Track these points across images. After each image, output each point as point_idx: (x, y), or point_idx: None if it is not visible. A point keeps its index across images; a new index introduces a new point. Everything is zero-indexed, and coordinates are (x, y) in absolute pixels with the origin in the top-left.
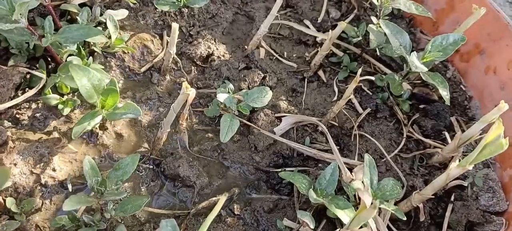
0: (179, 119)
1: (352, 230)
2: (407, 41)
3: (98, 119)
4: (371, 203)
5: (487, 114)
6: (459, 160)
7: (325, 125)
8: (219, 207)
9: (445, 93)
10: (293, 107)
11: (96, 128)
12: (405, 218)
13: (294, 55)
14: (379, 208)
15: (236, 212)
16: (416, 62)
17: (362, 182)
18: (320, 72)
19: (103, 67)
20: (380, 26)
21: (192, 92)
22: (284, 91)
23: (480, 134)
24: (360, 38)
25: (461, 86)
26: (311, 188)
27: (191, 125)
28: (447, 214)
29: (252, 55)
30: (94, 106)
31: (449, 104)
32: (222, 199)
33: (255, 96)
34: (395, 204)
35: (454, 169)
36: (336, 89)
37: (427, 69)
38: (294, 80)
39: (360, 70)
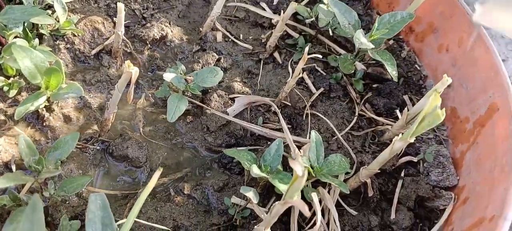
0: (130, 100)
1: (287, 201)
2: (355, 19)
3: (41, 100)
4: (302, 172)
5: (432, 89)
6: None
7: (277, 105)
8: (153, 183)
9: (393, 71)
10: (247, 89)
11: (43, 110)
12: (348, 192)
13: (250, 37)
14: (330, 185)
15: (185, 192)
16: (361, 39)
17: (309, 158)
18: (276, 54)
19: (51, 49)
20: (329, 6)
21: (135, 71)
22: (239, 73)
23: None
24: (313, 18)
25: (416, 65)
26: (255, 164)
27: (144, 108)
28: (397, 189)
29: (206, 38)
30: (39, 87)
31: (396, 81)
32: (156, 174)
33: (205, 76)
34: (345, 181)
35: (397, 142)
36: (290, 70)
37: (374, 47)
38: (250, 62)
39: (306, 49)
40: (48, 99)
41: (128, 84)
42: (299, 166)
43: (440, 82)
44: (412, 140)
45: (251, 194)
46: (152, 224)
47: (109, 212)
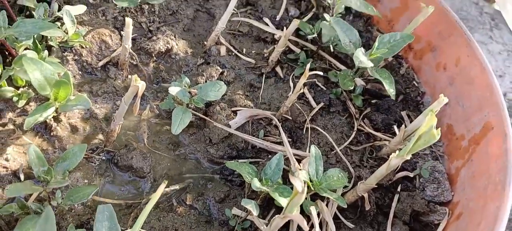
0: (135, 112)
1: (287, 216)
2: (356, 37)
3: (50, 111)
4: (302, 188)
5: (429, 108)
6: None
7: (278, 119)
8: (158, 195)
9: (390, 89)
10: (249, 102)
11: (51, 120)
12: (345, 206)
13: (253, 51)
14: (328, 198)
15: (188, 202)
16: (361, 58)
17: (308, 172)
18: (278, 69)
19: (59, 61)
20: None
21: (141, 85)
22: (242, 86)
23: None
24: (315, 35)
25: (414, 82)
26: (256, 177)
27: (149, 119)
28: (393, 204)
29: (211, 51)
30: (48, 98)
31: (394, 99)
32: (161, 186)
33: (209, 90)
34: (343, 194)
35: (394, 159)
36: (291, 84)
37: (373, 65)
38: (252, 76)
39: (308, 65)
40: (56, 110)
41: (135, 97)
42: (299, 182)
43: (436, 101)
44: (408, 157)
45: (251, 207)
46: None
47: (116, 223)
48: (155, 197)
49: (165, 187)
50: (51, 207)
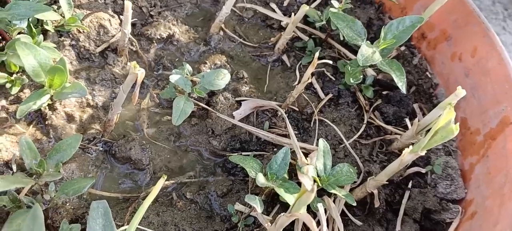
0: (134, 101)
1: (294, 214)
2: (361, 29)
3: (44, 99)
4: (311, 187)
5: (445, 100)
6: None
7: (284, 110)
8: (157, 189)
9: (400, 82)
10: (254, 92)
11: (45, 109)
12: (354, 204)
13: (258, 38)
14: (335, 195)
15: (188, 196)
16: (365, 54)
17: (316, 167)
18: (284, 57)
19: (55, 46)
20: (341, 10)
21: (141, 72)
22: (247, 75)
23: None
24: (324, 22)
25: (427, 73)
26: (261, 172)
27: (149, 108)
28: (404, 201)
29: (214, 38)
30: (43, 85)
31: (405, 92)
32: (161, 180)
33: (212, 78)
34: (351, 190)
35: (407, 155)
36: (298, 74)
37: (381, 59)
38: (257, 64)
39: (317, 53)
40: (51, 98)
41: (134, 85)
42: (308, 181)
43: (453, 94)
44: (423, 153)
45: (255, 203)
46: (153, 230)
47: (111, 220)
48: (154, 191)
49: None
50: (40, 199)
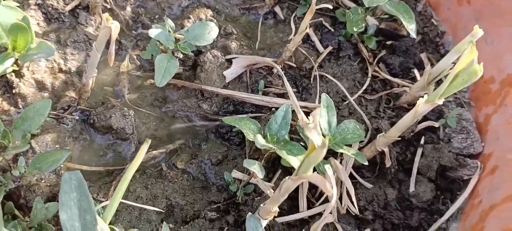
0: (111, 62)
1: (302, 177)
2: None
3: (8, 62)
4: (322, 142)
5: (460, 43)
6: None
7: (281, 66)
8: (140, 157)
9: (410, 25)
10: (246, 49)
11: (12, 75)
12: (367, 163)
13: None
14: (341, 155)
15: (179, 166)
16: None
17: (319, 125)
18: (277, 9)
19: (18, 5)
20: None
21: (114, 26)
22: (236, 30)
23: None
24: None
25: (433, 20)
26: (259, 133)
27: (129, 72)
28: (416, 159)
29: None
30: (6, 48)
31: (415, 37)
32: (145, 145)
33: (197, 33)
34: (359, 150)
35: (422, 105)
36: (293, 26)
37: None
38: (247, 19)
39: (314, 1)
40: (16, 63)
41: (108, 43)
42: (317, 135)
43: (469, 35)
44: (440, 102)
45: (256, 168)
46: (141, 205)
47: (87, 193)
48: (137, 160)
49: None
50: (9, 181)
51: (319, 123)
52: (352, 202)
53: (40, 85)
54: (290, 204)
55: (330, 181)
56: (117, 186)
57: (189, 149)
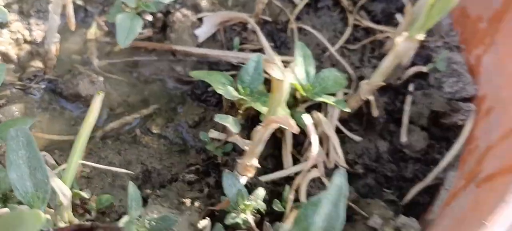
0: (72, 26)
1: (270, 119)
2: None
3: None
4: (283, 75)
5: None
6: None
7: (256, 21)
8: (93, 113)
9: None
10: (217, 6)
11: None
12: (349, 110)
13: None
14: (326, 110)
15: (154, 131)
16: None
17: (295, 75)
18: None
19: None
20: None
21: None
22: None
23: None
24: None
25: None
26: (231, 86)
27: (97, 38)
28: (406, 107)
29: None
30: None
31: None
32: (98, 97)
33: None
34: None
35: (402, 43)
36: None
37: None
38: None
39: None
40: None
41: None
42: (276, 69)
43: None
44: (421, 37)
45: (229, 122)
46: (115, 168)
47: (36, 151)
48: (91, 111)
49: (126, 115)
50: None
51: (296, 73)
52: (338, 155)
53: (5, 57)
54: (275, 162)
55: (309, 134)
56: (74, 145)
57: (164, 113)
